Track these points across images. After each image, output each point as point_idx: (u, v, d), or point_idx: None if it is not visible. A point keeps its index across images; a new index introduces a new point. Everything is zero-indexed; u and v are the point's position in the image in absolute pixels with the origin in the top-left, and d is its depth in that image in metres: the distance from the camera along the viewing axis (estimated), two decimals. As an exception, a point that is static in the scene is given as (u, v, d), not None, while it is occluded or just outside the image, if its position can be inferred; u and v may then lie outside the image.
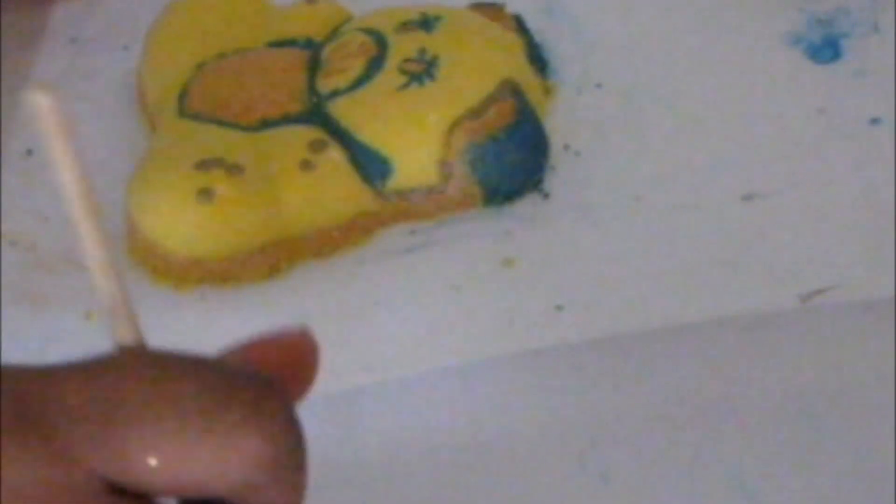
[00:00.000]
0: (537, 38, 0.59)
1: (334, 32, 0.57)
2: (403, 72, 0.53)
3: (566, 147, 0.55)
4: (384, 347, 0.48)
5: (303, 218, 0.52)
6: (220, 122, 0.53)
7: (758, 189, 0.51)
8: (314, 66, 0.55)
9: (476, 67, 0.54)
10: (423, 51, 0.54)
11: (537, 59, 0.57)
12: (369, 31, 0.55)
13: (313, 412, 0.45)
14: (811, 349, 0.47)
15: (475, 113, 0.52)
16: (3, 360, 0.46)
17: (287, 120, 0.53)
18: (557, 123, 0.55)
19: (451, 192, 0.53)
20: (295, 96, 0.54)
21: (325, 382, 0.46)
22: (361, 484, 0.46)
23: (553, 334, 0.48)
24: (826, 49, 0.55)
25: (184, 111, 0.54)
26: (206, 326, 0.50)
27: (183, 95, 0.55)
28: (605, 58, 0.58)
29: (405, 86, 0.53)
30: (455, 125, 0.52)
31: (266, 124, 0.53)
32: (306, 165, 0.51)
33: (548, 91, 0.57)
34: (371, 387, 0.47)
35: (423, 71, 0.53)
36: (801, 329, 0.47)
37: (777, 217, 0.50)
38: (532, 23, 0.59)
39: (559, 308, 0.49)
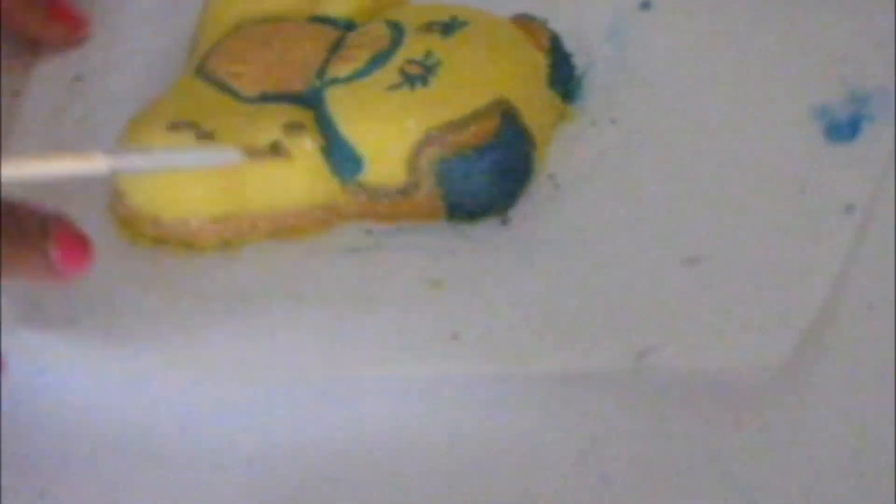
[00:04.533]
0: (583, 61, 0.57)
1: (374, 18, 0.57)
2: (401, 72, 0.53)
3: (550, 176, 0.54)
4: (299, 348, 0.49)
5: (262, 197, 0.53)
6: (224, 87, 0.55)
7: (701, 254, 0.49)
8: (335, 49, 0.56)
9: (472, 81, 0.53)
10: (428, 54, 0.53)
11: (562, 83, 0.56)
12: (394, 25, 0.55)
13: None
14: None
15: (455, 127, 0.52)
16: None
17: (284, 98, 0.54)
18: (555, 151, 0.54)
19: (417, 200, 0.53)
20: (305, 75, 0.55)
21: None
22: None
23: (445, 364, 0.48)
24: (846, 128, 0.52)
25: (201, 69, 0.56)
26: (152, 283, 0.52)
27: (209, 52, 0.57)
28: (633, 95, 0.56)
29: (397, 87, 0.53)
30: (429, 136, 0.52)
31: (264, 98, 0.54)
32: (275, 146, 0.52)
33: (566, 117, 0.55)
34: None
35: (418, 75, 0.53)
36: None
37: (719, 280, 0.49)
38: (585, 45, 0.57)
39: (455, 336, 0.48)
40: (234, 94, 0.54)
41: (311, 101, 0.54)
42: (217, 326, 0.50)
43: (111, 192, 0.54)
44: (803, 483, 0.44)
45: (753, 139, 0.53)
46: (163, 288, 0.52)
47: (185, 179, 0.52)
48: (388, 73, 0.53)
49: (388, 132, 0.52)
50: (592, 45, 0.57)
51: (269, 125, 0.53)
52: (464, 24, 0.54)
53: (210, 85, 0.55)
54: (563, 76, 0.56)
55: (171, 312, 0.51)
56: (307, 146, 0.52)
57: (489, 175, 0.52)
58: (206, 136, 0.52)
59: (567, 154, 0.54)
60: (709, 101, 0.55)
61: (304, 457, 0.48)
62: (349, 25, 0.57)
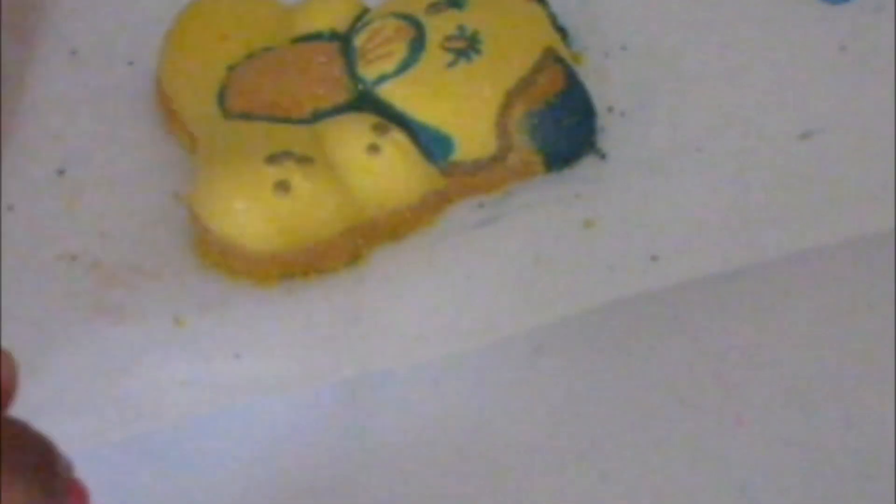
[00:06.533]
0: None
1: (357, 22, 0.57)
2: (447, 50, 0.53)
3: (610, 109, 0.56)
4: (472, 316, 0.49)
5: (375, 201, 0.52)
6: (273, 119, 0.53)
7: (814, 126, 0.53)
8: (348, 55, 0.55)
9: (518, 39, 0.54)
10: (461, 28, 0.54)
11: (559, 29, 0.58)
12: (402, 16, 0.55)
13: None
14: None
15: (527, 82, 0.53)
16: (94, 374, 0.46)
17: (338, 109, 0.53)
18: (595, 88, 0.56)
19: (511, 161, 0.53)
20: (339, 86, 0.54)
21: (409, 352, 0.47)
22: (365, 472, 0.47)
23: (648, 282, 0.49)
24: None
25: (228, 113, 0.54)
26: (296, 318, 0.50)
27: (222, 98, 0.55)
28: (618, 23, 0.59)
29: (454, 63, 0.53)
30: (510, 96, 0.53)
31: (319, 115, 0.53)
32: (373, 149, 0.52)
33: (575, 59, 0.57)
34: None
35: (467, 47, 0.53)
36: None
37: (833, 153, 0.52)
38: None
39: (654, 258, 0.49)
40: (286, 121, 0.53)
41: (363, 106, 0.53)
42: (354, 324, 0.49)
43: (212, 246, 0.51)
44: (804, 482, 0.45)
45: (759, 24, 0.57)
46: (318, 324, 0.50)
47: (304, 207, 0.50)
48: (435, 54, 0.54)
49: (470, 105, 0.53)
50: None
51: (357, 133, 0.52)
52: (461, -9, 0.56)
53: (252, 122, 0.53)
54: (556, 21, 0.58)
55: (341, 341, 0.49)
56: (400, 140, 0.52)
57: (576, 116, 0.54)
58: (305, 160, 0.51)
59: (608, 86, 0.56)
60: (695, 7, 0.58)
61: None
62: (335, 36, 0.57)
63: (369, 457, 0.46)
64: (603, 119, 0.55)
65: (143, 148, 0.57)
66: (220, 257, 0.51)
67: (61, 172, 0.56)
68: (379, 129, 0.52)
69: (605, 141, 0.55)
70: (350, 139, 0.52)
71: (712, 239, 0.50)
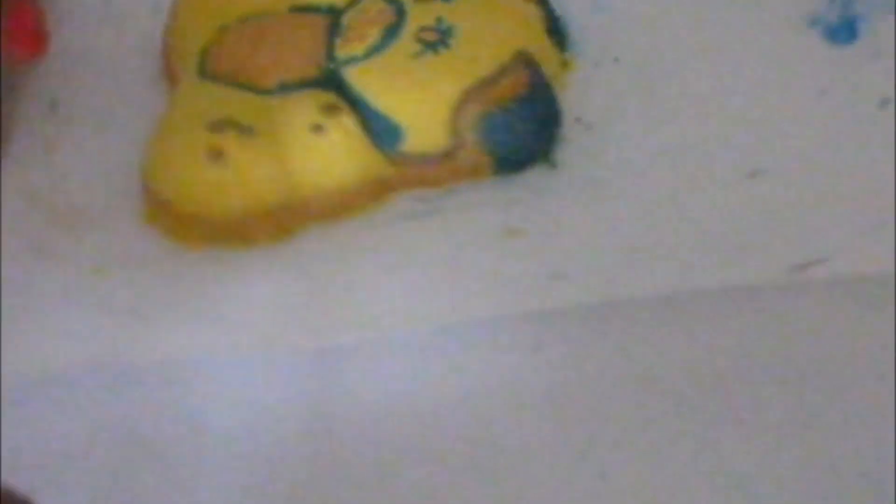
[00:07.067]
0: (559, 11, 0.59)
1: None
2: (419, 40, 0.54)
3: (578, 120, 0.55)
4: (383, 307, 0.49)
5: (312, 181, 0.52)
6: (238, 85, 0.54)
7: (764, 166, 0.51)
8: (334, 32, 0.56)
9: (491, 38, 0.54)
10: (439, 20, 0.54)
11: (556, 33, 0.57)
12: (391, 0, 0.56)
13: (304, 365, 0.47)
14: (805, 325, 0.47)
15: (488, 83, 0.53)
16: (7, 310, 0.48)
17: (304, 84, 0.54)
18: (572, 96, 0.55)
19: (461, 160, 0.53)
20: (313, 61, 0.55)
21: (322, 336, 0.48)
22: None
23: (550, 300, 0.49)
24: (842, 30, 0.55)
25: (204, 72, 0.55)
26: (217, 284, 0.51)
27: (204, 57, 0.56)
28: (624, 32, 0.58)
29: (419, 54, 0.53)
30: (467, 94, 0.53)
31: (283, 88, 0.54)
32: (318, 129, 0.52)
33: (565, 65, 0.57)
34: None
35: (437, 40, 0.53)
36: (797, 304, 0.47)
37: (781, 193, 0.50)
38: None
39: (558, 275, 0.49)
40: (253, 89, 0.54)
41: (329, 84, 0.54)
42: (298, 313, 0.49)
43: (150, 202, 0.52)
44: (804, 482, 0.45)
45: (758, 55, 0.55)
46: (231, 288, 0.51)
47: (237, 176, 0.51)
48: (406, 43, 0.54)
49: (425, 98, 0.53)
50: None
51: (304, 111, 0.53)
52: (456, -14, 0.55)
53: (222, 85, 0.54)
54: (557, 25, 0.57)
55: (247, 310, 0.50)
56: (347, 123, 0.52)
57: (533, 123, 0.53)
58: (247, 130, 0.52)
59: (584, 97, 0.55)
60: (701, 23, 0.57)
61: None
62: (332, 10, 0.57)
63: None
64: (569, 129, 0.55)
65: (144, 101, 0.58)
66: (157, 215, 0.53)
67: (53, 105, 0.58)
68: (328, 109, 0.53)
69: (563, 151, 0.54)
70: (296, 116, 0.52)
71: (628, 264, 0.49)
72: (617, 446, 0.46)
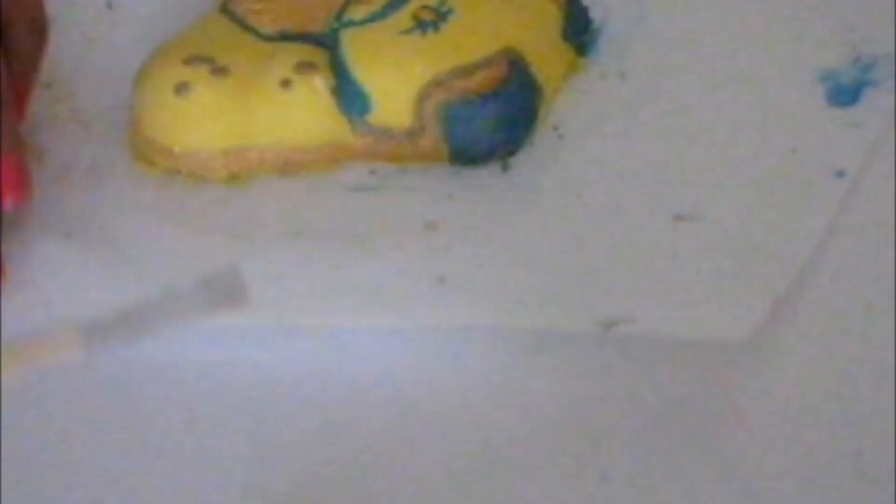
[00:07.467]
0: (599, 15, 0.58)
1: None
2: (414, 17, 0.54)
3: (555, 128, 0.54)
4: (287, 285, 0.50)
5: (271, 132, 0.54)
6: (245, 26, 0.56)
7: (690, 212, 0.50)
8: (357, -7, 0.57)
9: (484, 29, 0.54)
10: (443, 1, 0.55)
11: (576, 35, 0.56)
12: (411, -29, 0.56)
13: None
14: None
15: (462, 72, 0.53)
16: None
17: (302, 37, 0.56)
18: (562, 104, 0.55)
19: (421, 143, 0.54)
20: (325, 16, 0.56)
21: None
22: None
23: (428, 310, 0.49)
24: (848, 93, 0.52)
25: (225, 5, 0.58)
26: (156, 210, 0.54)
27: (233, -7, 0.58)
28: (645, 51, 0.57)
29: (408, 31, 0.54)
30: (437, 79, 0.53)
31: (282, 37, 0.56)
32: (286, 83, 0.54)
33: (577, 69, 0.56)
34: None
35: (431, 20, 0.54)
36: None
37: (704, 240, 0.49)
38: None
39: (441, 280, 0.49)
40: (254, 32, 0.56)
41: (327, 42, 0.55)
42: (213, 257, 0.51)
43: (130, 122, 0.55)
44: (804, 480, 0.44)
45: (755, 100, 0.54)
46: (166, 215, 0.53)
47: (197, 112, 0.53)
48: (403, 17, 0.54)
49: (397, 75, 0.53)
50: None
51: (282, 63, 0.54)
52: (480, -27, 0.55)
53: (232, 21, 0.56)
54: (578, 29, 0.57)
55: (171, 239, 0.52)
56: (317, 85, 0.53)
57: (492, 122, 0.53)
58: (219, 71, 0.54)
59: (573, 106, 0.55)
60: (718, 62, 0.55)
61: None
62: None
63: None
64: (541, 136, 0.54)
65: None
66: (129, 135, 0.56)
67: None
68: (301, 67, 0.54)
69: (527, 156, 0.54)
70: (270, 68, 0.54)
71: (521, 292, 0.49)
72: (618, 449, 0.46)
